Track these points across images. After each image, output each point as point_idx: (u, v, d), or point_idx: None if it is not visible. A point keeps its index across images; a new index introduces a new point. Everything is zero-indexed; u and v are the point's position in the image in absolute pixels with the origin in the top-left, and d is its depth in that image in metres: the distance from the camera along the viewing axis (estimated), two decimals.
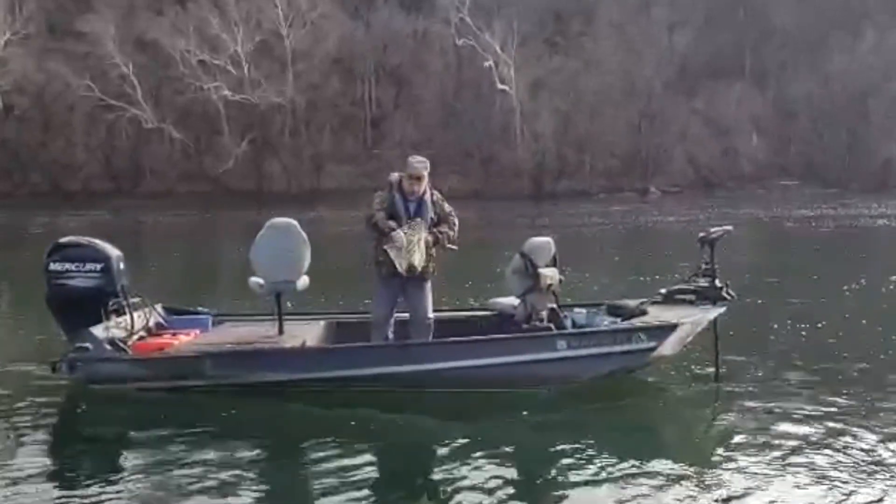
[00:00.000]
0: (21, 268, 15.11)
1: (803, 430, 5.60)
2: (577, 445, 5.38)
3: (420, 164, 6.52)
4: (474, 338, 6.68)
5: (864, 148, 51.88)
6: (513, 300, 7.02)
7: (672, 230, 25.09)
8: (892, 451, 5.21)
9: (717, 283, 6.79)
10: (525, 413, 6.04)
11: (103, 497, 4.63)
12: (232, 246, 19.56)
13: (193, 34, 46.57)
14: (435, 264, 6.64)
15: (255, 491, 4.77)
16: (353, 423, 5.87)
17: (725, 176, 52.20)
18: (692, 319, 6.60)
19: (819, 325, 9.12)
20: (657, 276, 12.04)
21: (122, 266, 6.68)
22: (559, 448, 5.35)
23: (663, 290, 7.16)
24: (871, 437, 5.44)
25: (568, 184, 48.77)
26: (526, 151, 49.68)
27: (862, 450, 5.23)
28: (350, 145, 50.91)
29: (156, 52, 46.90)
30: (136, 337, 6.65)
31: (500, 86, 49.82)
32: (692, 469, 4.98)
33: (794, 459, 5.09)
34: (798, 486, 4.70)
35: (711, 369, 6.87)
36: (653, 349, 6.47)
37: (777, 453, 5.18)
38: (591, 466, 5.02)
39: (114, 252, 6.71)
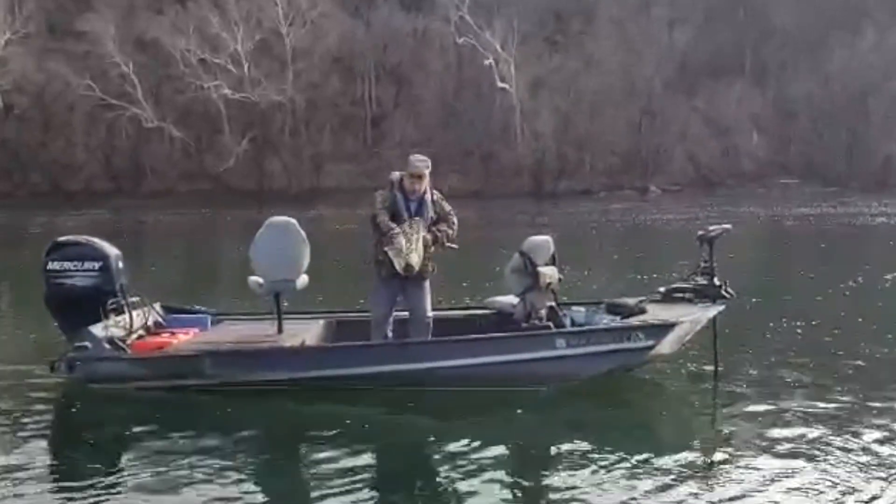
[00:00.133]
0: (20, 268, 15.09)
1: (801, 428, 5.61)
2: (575, 444, 5.39)
3: (421, 162, 6.53)
4: (473, 336, 6.69)
5: (864, 147, 51.81)
6: (512, 299, 7.03)
7: (672, 228, 25.06)
8: (890, 448, 5.22)
9: (716, 281, 6.80)
10: (524, 412, 6.04)
11: (103, 497, 4.63)
12: (232, 245, 19.55)
13: (193, 33, 46.45)
14: (434, 263, 6.64)
15: (254, 490, 4.78)
16: (352, 422, 5.87)
17: (725, 174, 52.10)
18: (691, 318, 6.62)
19: (817, 324, 9.12)
20: (656, 275, 12.03)
21: (120, 265, 6.68)
22: (558, 446, 5.37)
23: (662, 289, 7.17)
24: (869, 435, 5.45)
25: (568, 182, 48.65)
26: (526, 150, 49.58)
27: (860, 447, 5.24)
28: (350, 144, 50.81)
29: (156, 52, 46.82)
30: (134, 336, 6.64)
31: (500, 84, 49.72)
32: (691, 467, 4.99)
33: (792, 457, 5.10)
34: (796, 484, 4.70)
35: (710, 367, 6.89)
36: (651, 347, 6.49)
37: (775, 451, 5.20)
38: (589, 465, 5.02)
39: (112, 251, 6.71)
